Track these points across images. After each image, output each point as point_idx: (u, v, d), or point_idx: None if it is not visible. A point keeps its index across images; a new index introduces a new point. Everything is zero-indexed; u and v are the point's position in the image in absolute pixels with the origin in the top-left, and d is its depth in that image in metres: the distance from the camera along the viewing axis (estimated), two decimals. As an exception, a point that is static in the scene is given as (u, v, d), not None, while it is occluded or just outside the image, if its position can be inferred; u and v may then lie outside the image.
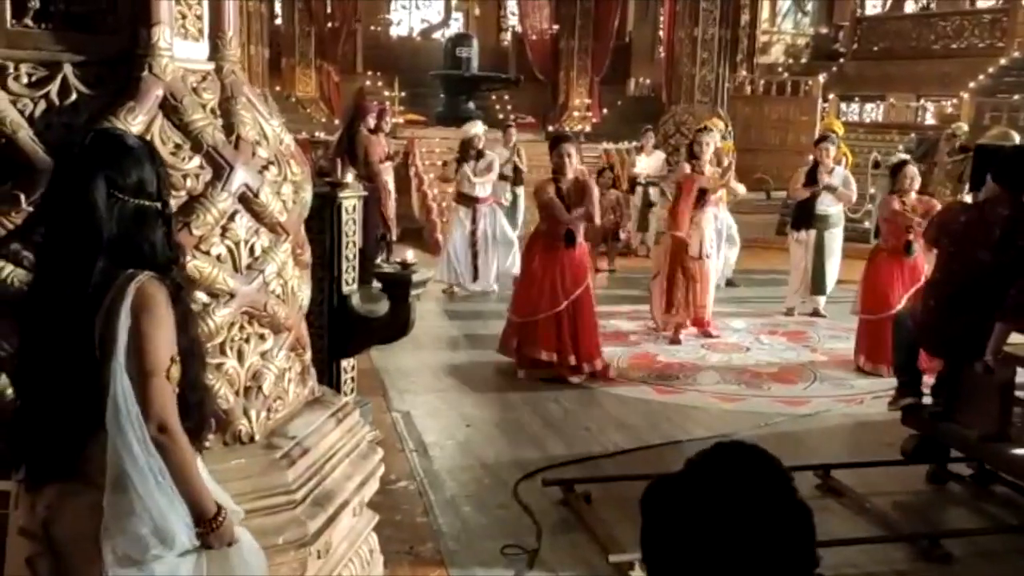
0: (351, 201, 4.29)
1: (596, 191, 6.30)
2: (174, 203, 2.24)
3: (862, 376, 6.34)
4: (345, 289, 4.28)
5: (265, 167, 2.49)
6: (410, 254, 4.24)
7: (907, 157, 7.11)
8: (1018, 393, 4.22)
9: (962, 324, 4.29)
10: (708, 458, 1.30)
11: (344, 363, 4.38)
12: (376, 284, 4.14)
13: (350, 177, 4.41)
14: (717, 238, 7.82)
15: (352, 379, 4.48)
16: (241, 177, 2.37)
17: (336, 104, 17.71)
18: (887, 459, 4.66)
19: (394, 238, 9.69)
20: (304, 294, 2.82)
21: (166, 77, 2.31)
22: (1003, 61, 18.09)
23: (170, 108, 2.31)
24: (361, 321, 4.32)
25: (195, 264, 2.26)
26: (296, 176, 2.71)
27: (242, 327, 2.43)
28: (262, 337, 2.51)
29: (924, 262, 6.32)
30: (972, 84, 17.05)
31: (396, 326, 4.21)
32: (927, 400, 4.71)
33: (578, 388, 5.93)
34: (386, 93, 17.16)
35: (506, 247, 9.04)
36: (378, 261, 7.04)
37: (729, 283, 9.25)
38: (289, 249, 2.64)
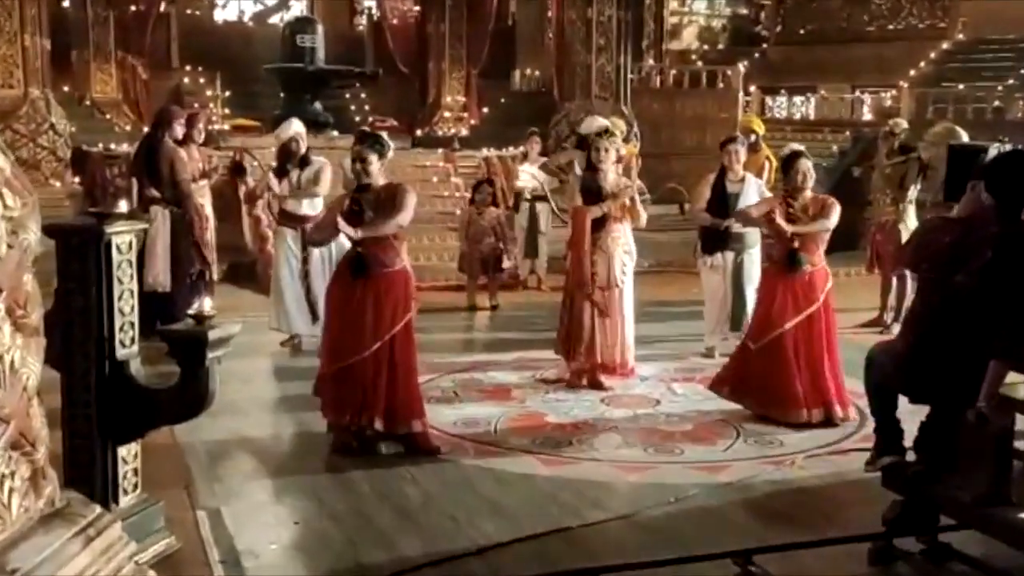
0: (125, 238, 4.03)
1: (412, 197, 6.06)
2: None
3: (792, 430, 6.36)
4: (121, 353, 4.03)
5: (-38, 201, 2.26)
6: (207, 303, 4.00)
7: (801, 148, 7.17)
8: (1018, 444, 4.24)
9: (948, 364, 4.31)
10: None
11: (122, 451, 4.12)
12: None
13: (123, 206, 4.14)
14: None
15: (135, 471, 4.22)
16: (-79, 216, 2.12)
17: (145, 108, 17.35)
18: (821, 538, 4.63)
19: (215, 276, 9.33)
20: (31, 371, 2.60)
21: None
22: (946, 45, 19.11)
23: None
24: (143, 395, 4.08)
25: None
26: (13, 211, 2.49)
27: (-70, 424, 2.17)
28: (-37, 436, 2.25)
29: (825, 279, 6.46)
30: (912, 72, 17.89)
31: (189, 399, 3.98)
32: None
33: (443, 463, 5.74)
34: (208, 93, 16.82)
35: None
36: (194, 308, 6.67)
37: None
38: (3, 311, 2.41)
